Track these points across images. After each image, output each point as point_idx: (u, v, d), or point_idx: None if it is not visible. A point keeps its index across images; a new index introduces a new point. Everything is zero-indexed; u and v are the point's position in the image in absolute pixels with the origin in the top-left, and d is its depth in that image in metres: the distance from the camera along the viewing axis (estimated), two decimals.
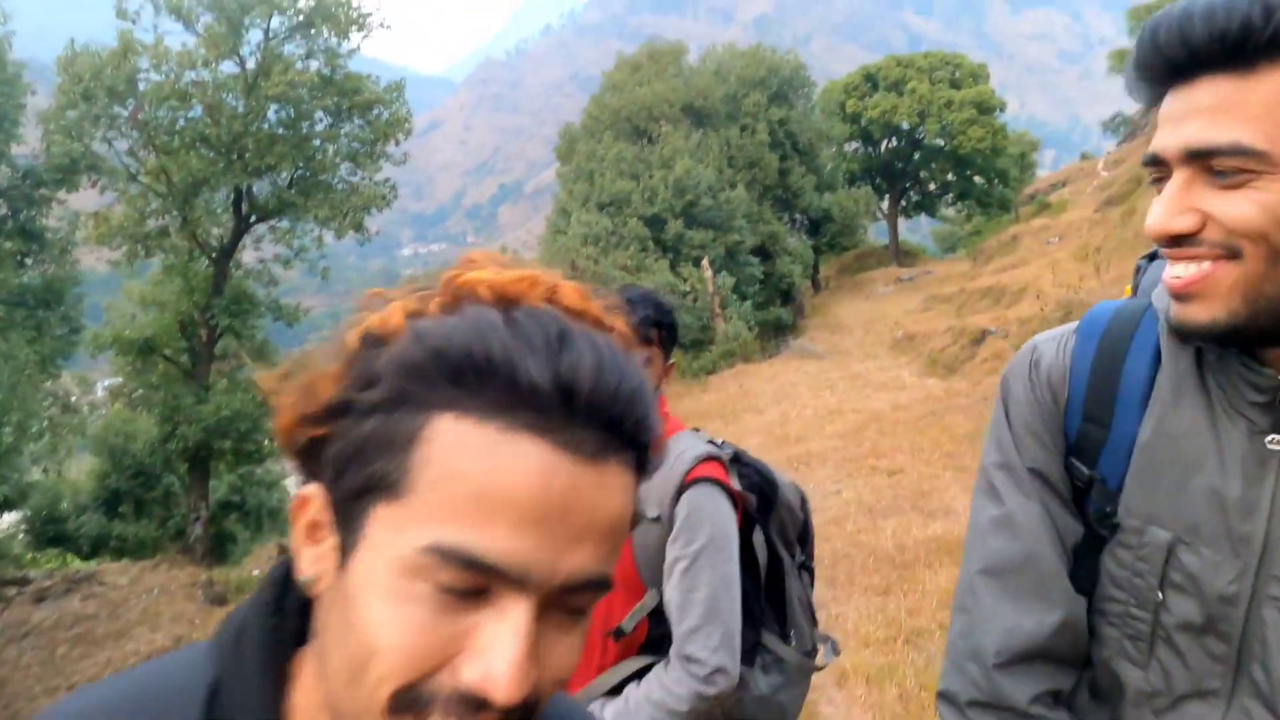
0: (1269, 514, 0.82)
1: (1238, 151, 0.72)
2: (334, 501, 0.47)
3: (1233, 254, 0.75)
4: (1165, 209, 0.77)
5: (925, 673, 3.83)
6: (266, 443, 14.55)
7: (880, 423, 10.54)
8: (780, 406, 12.45)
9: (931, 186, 38.45)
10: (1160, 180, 0.80)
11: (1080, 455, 0.93)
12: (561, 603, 0.45)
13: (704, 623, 1.42)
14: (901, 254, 37.30)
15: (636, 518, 0.48)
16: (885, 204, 38.27)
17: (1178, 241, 0.78)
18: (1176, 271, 0.79)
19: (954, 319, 16.88)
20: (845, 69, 42.77)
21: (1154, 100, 0.81)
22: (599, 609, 1.50)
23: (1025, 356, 0.99)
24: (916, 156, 36.79)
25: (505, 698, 0.41)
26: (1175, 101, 0.77)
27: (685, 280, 20.81)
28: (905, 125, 35.21)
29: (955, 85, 35.54)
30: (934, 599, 4.59)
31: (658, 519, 1.48)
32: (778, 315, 24.98)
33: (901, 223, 41.59)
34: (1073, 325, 0.97)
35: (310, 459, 0.49)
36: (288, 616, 0.52)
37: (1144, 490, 0.88)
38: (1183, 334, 0.84)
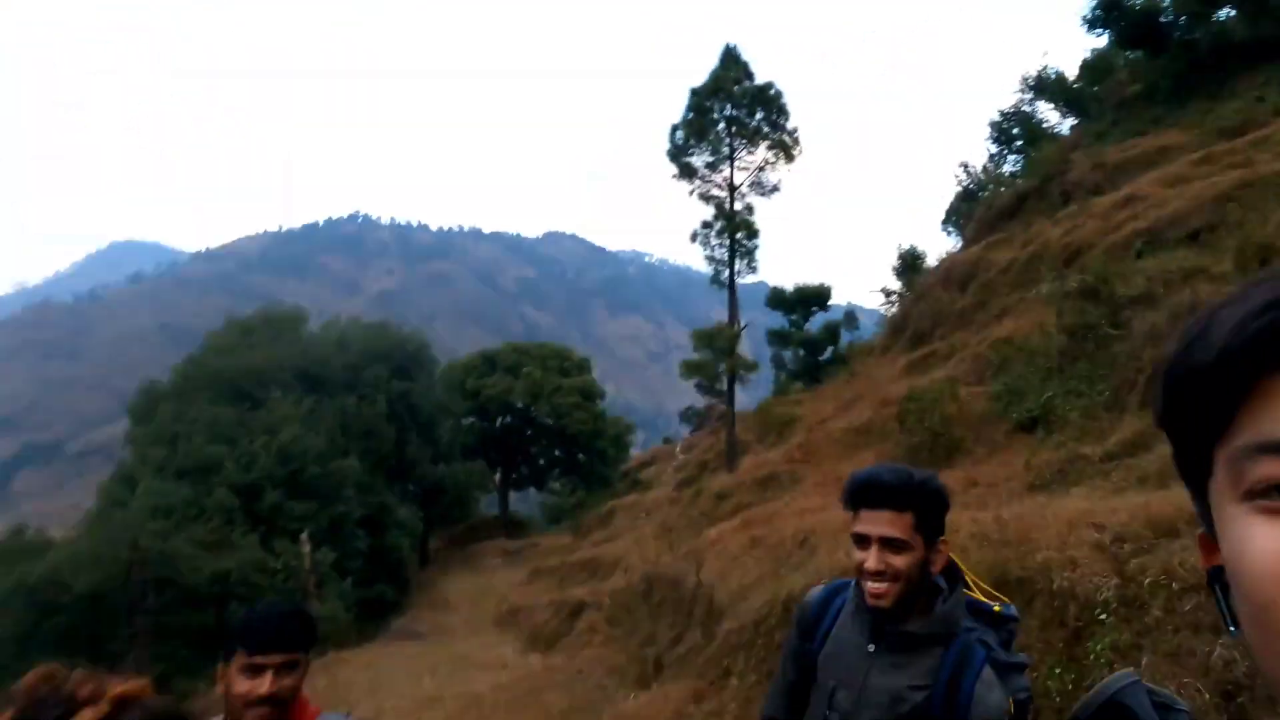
0: None
1: None
2: None
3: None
4: None
5: None
6: None
7: (480, 707, 10.37)
8: (376, 697, 11.61)
9: (541, 462, 41.32)
10: None
11: None
12: None
13: None
14: (511, 525, 38.58)
15: None
16: (498, 477, 40.04)
17: None
18: None
19: (556, 592, 17.65)
20: (467, 347, 45.70)
21: None
22: None
23: None
24: (528, 433, 39.64)
25: None
26: None
27: (278, 556, 19.13)
28: (519, 404, 38.21)
29: (564, 373, 40.02)
30: None
31: None
32: (381, 591, 23.77)
33: (513, 494, 43.50)
34: None
35: None
36: None
37: None
38: None
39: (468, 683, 12.17)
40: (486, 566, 27.91)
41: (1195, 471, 0.46)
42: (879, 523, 1.65)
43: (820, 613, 1.85)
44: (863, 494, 1.69)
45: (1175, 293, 9.18)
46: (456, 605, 21.85)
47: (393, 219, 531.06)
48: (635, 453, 55.08)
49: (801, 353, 35.05)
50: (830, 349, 33.71)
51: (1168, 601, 3.87)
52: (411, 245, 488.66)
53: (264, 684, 1.64)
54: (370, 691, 12.05)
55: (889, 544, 1.64)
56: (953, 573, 1.74)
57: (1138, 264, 10.67)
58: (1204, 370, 0.41)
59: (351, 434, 26.46)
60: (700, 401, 44.34)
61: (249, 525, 20.46)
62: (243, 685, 1.65)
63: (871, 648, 1.67)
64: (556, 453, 40.32)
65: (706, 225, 22.66)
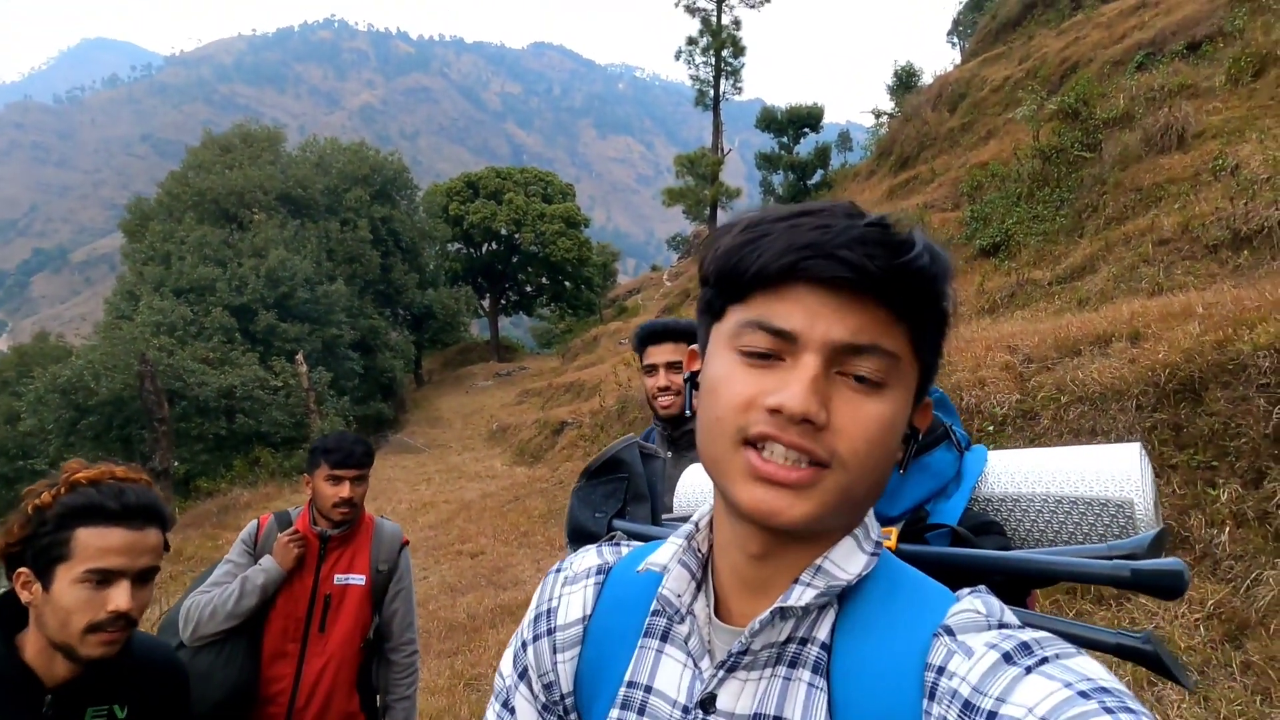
0: None
1: None
2: (34, 569, 1.23)
3: None
4: None
5: (479, 705, 4.60)
6: None
7: (469, 511, 11.37)
8: (376, 503, 12.65)
9: (528, 288, 41.55)
10: None
11: None
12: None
13: (412, 622, 2.53)
14: (501, 349, 39.55)
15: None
16: (487, 302, 40.55)
17: None
18: None
19: (541, 412, 18.63)
20: (451, 168, 44.92)
21: None
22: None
23: None
24: (514, 260, 39.56)
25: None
26: None
27: (278, 375, 19.92)
28: (504, 231, 37.92)
29: (547, 199, 39.44)
30: (493, 650, 5.45)
31: (383, 570, 2.46)
32: (378, 409, 24.88)
33: (504, 319, 44.18)
34: None
35: (11, 559, 1.25)
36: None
37: None
38: None
39: (459, 490, 13.24)
40: (478, 387, 29.05)
41: (711, 313, 0.67)
42: (663, 353, 2.18)
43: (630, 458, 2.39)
44: (649, 337, 2.21)
45: (1155, 112, 9.11)
46: (450, 422, 23.04)
47: (370, 25, 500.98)
48: (624, 279, 55.58)
49: (790, 176, 34.37)
50: (820, 172, 33.18)
51: (1057, 411, 4.41)
52: (390, 56, 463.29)
53: (344, 490, 2.35)
54: (372, 497, 13.08)
55: (671, 366, 2.17)
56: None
57: (1126, 82, 10.42)
58: (748, 270, 0.61)
59: (337, 259, 26.59)
60: (689, 228, 44.29)
61: (247, 345, 21.18)
62: (328, 490, 2.36)
63: (669, 455, 2.10)
64: (543, 280, 40.36)
65: (691, 41, 21.79)
